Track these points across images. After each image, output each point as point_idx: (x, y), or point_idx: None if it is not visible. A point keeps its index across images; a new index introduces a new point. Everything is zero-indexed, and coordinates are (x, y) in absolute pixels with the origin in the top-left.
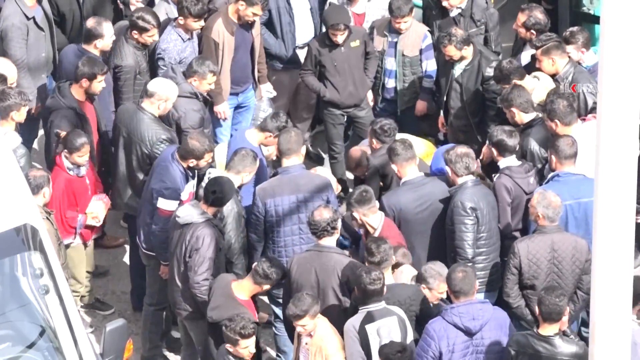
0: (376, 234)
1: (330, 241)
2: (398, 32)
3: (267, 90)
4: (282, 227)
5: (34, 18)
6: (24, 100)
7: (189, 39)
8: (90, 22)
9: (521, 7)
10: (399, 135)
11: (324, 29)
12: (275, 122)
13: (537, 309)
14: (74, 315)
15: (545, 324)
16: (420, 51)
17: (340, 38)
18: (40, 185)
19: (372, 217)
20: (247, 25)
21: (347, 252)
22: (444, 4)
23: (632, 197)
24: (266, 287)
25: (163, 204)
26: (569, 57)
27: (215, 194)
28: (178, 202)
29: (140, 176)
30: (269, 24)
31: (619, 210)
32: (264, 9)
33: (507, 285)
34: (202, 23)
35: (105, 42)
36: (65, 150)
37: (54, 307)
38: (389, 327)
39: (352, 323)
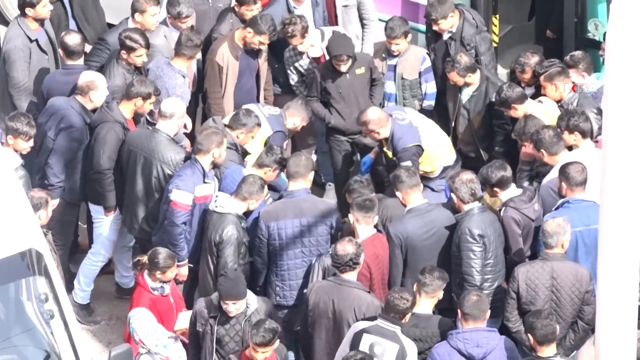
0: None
1: (352, 275)
2: (395, 55)
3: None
4: (285, 251)
5: (37, 41)
6: (33, 129)
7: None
8: (69, 39)
9: (516, 68)
10: None
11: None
12: (271, 156)
13: (530, 337)
14: (78, 340)
15: (542, 347)
16: (420, 74)
17: (343, 67)
18: (38, 206)
19: (362, 227)
20: (254, 52)
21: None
22: (435, 28)
23: (637, 223)
24: None
25: (177, 195)
26: (572, 82)
27: (219, 287)
28: (192, 196)
29: (157, 195)
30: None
31: (624, 237)
32: (271, 38)
33: (507, 309)
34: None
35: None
36: (148, 271)
37: (58, 332)
38: (385, 349)
39: (359, 325)
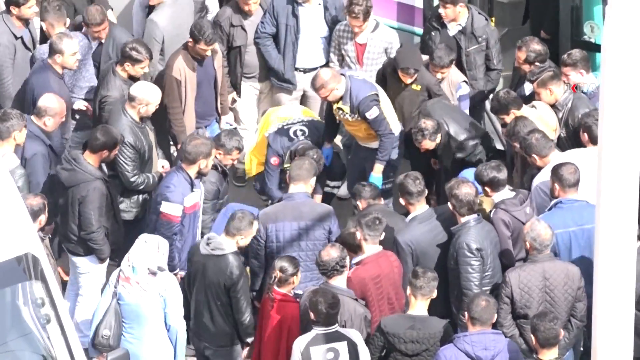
0: (356, 260)
1: (340, 280)
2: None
3: (227, 122)
4: (283, 253)
5: (22, 38)
6: (24, 121)
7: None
8: (54, 36)
9: (517, 45)
10: None
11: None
12: None
13: (532, 338)
14: (75, 344)
15: (543, 349)
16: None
17: (409, 80)
18: (38, 212)
19: (369, 246)
20: (210, 60)
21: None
22: (440, 11)
23: (633, 223)
24: None
25: (166, 207)
26: (568, 82)
27: None
28: (182, 207)
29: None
30: (275, 38)
31: (620, 237)
32: (210, 44)
33: (500, 315)
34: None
35: (66, 59)
36: (281, 283)
37: (55, 337)
38: (338, 352)
39: (300, 342)
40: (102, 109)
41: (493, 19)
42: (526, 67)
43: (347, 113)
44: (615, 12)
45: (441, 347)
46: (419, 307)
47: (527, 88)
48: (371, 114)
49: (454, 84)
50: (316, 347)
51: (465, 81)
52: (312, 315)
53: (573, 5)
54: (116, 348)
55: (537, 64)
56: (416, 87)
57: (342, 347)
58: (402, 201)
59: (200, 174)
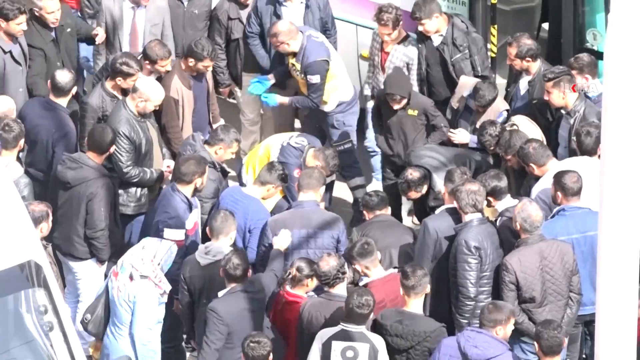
0: (362, 282)
1: (341, 288)
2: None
3: None
4: (290, 261)
5: (10, 52)
6: (23, 129)
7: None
8: (59, 76)
9: (507, 41)
10: None
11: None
12: (274, 173)
13: (536, 345)
14: (78, 352)
15: (546, 357)
16: None
17: (396, 106)
18: (39, 219)
19: (374, 270)
20: (201, 74)
21: None
22: (420, 28)
23: (636, 230)
24: None
25: (169, 234)
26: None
27: None
28: (184, 231)
29: None
30: (261, 37)
31: (623, 244)
32: (214, 59)
33: (508, 302)
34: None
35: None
36: (294, 283)
37: (58, 344)
38: (357, 352)
39: (324, 333)
40: (80, 114)
41: (495, 26)
42: (517, 63)
43: (297, 70)
44: (618, 20)
45: (447, 337)
46: (413, 305)
47: (522, 86)
48: (311, 78)
49: (495, 112)
50: (338, 342)
51: (507, 110)
52: (343, 309)
53: (576, 13)
54: (96, 335)
55: (559, 66)
56: (412, 112)
57: (363, 348)
58: (443, 188)
59: (196, 191)
